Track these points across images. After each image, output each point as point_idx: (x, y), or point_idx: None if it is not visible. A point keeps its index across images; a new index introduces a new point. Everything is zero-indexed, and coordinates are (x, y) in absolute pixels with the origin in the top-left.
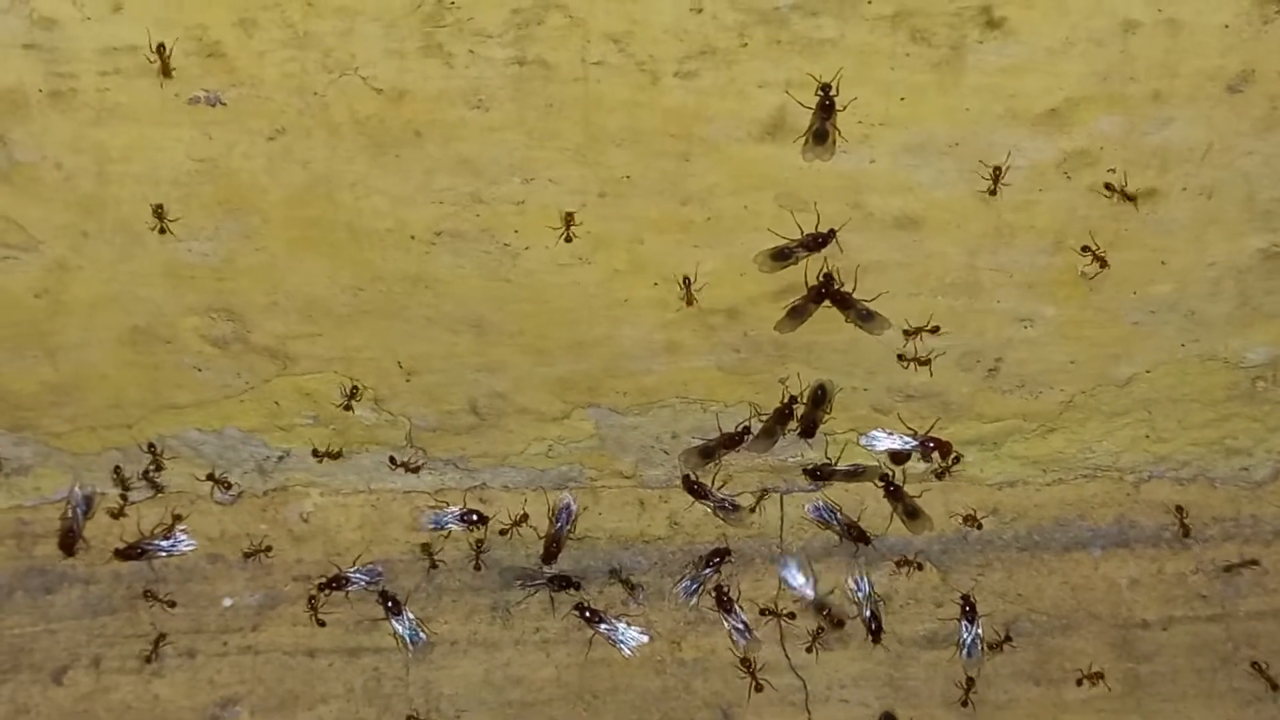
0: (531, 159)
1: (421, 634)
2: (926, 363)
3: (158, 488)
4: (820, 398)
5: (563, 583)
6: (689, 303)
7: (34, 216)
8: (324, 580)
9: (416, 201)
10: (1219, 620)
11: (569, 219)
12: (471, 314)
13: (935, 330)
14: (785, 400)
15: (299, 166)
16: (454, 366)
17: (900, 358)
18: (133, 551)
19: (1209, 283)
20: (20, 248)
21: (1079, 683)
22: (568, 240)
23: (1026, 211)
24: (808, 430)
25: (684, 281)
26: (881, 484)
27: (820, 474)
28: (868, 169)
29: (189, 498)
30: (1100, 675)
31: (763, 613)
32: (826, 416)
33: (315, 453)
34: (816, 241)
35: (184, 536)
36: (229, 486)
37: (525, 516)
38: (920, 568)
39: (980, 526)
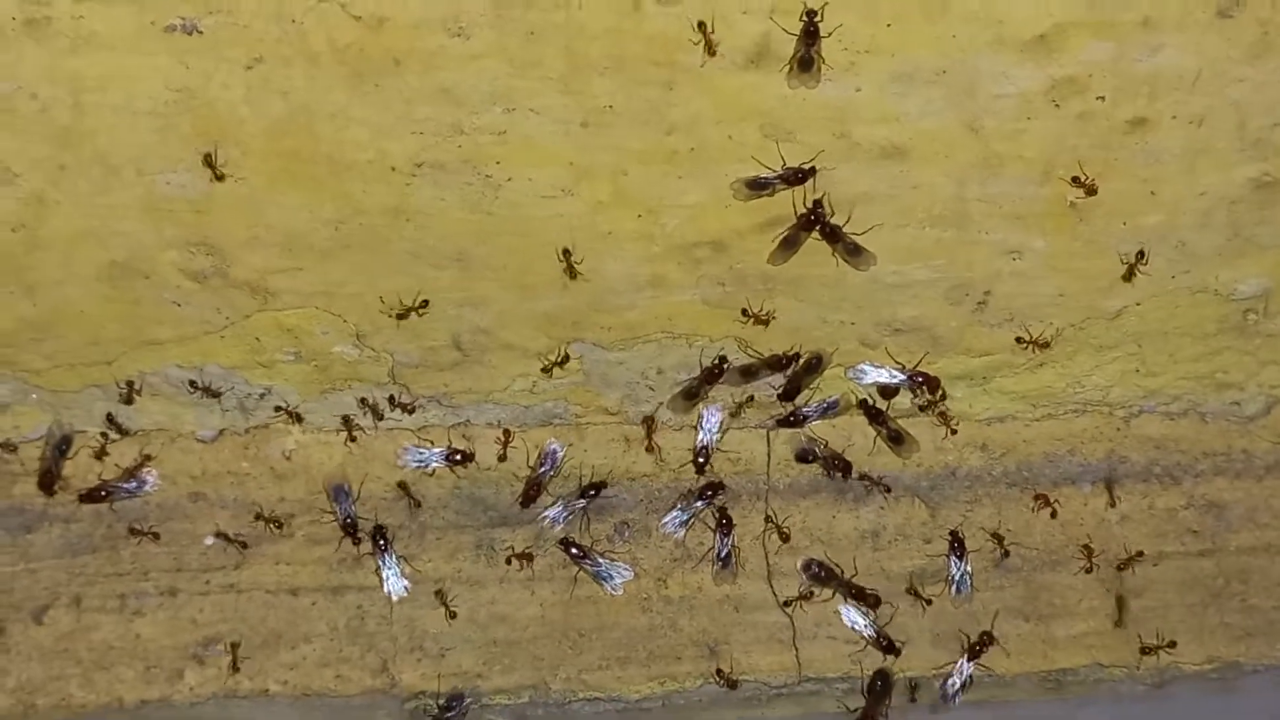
0: (513, 88)
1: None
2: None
3: (122, 431)
4: (814, 366)
5: (592, 489)
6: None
7: (9, 149)
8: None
9: (397, 132)
10: (1209, 555)
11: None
12: (454, 248)
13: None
14: (786, 354)
15: (278, 97)
16: (437, 301)
17: (1019, 340)
18: (97, 494)
19: (1199, 213)
20: None
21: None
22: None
23: (1014, 141)
24: (789, 394)
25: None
26: (862, 410)
27: (794, 421)
28: (854, 98)
29: (169, 435)
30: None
31: (766, 520)
32: (814, 385)
33: (279, 408)
34: (796, 176)
35: (149, 477)
36: (217, 394)
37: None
38: (889, 490)
39: (1007, 554)
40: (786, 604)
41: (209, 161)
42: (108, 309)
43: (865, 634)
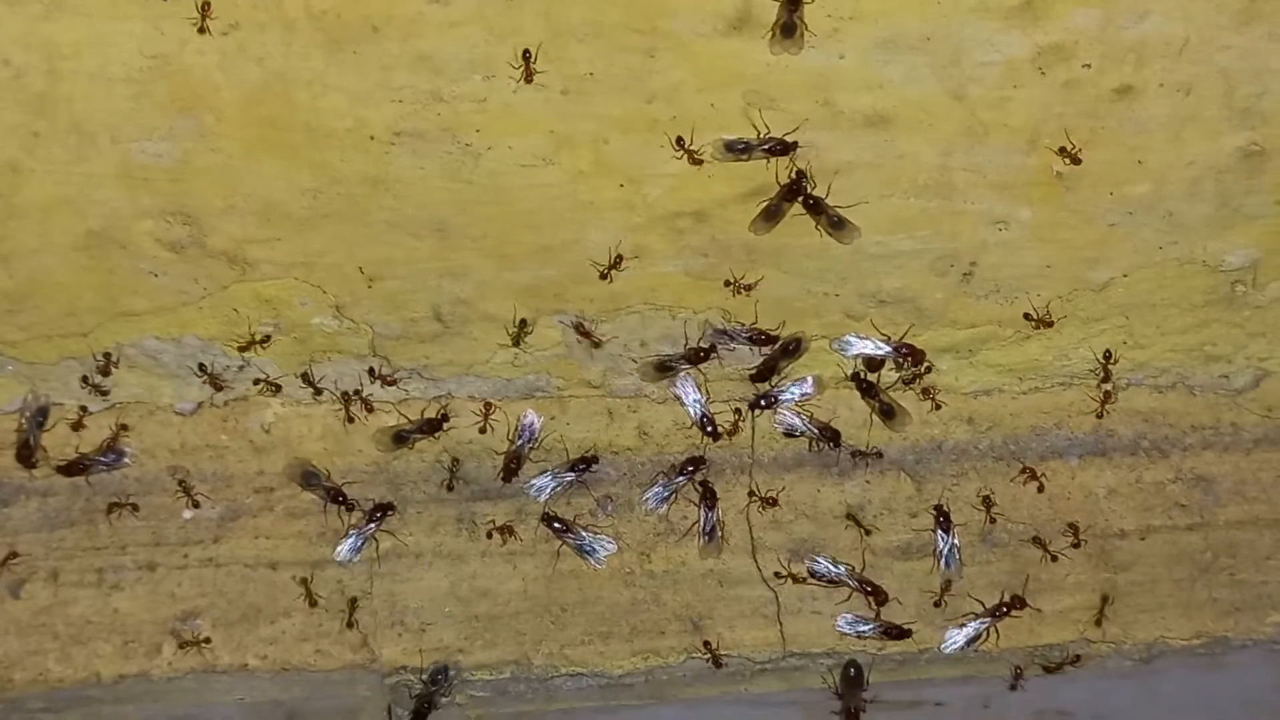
0: (492, 55)
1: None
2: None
3: (102, 391)
4: (791, 350)
5: (583, 464)
6: (692, 161)
7: None
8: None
9: (375, 100)
10: (1198, 529)
11: (527, 58)
12: (433, 217)
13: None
14: (772, 331)
15: (254, 64)
16: (417, 272)
17: (1026, 317)
18: (75, 467)
19: (1187, 183)
20: None
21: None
22: (528, 80)
23: (1000, 109)
24: (762, 375)
25: (678, 142)
26: (854, 383)
27: (766, 403)
28: (837, 65)
29: (148, 408)
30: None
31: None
32: (787, 368)
33: (306, 378)
34: (779, 147)
35: (127, 449)
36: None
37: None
38: (880, 455)
39: (994, 521)
40: (778, 576)
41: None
42: (84, 279)
43: (871, 634)
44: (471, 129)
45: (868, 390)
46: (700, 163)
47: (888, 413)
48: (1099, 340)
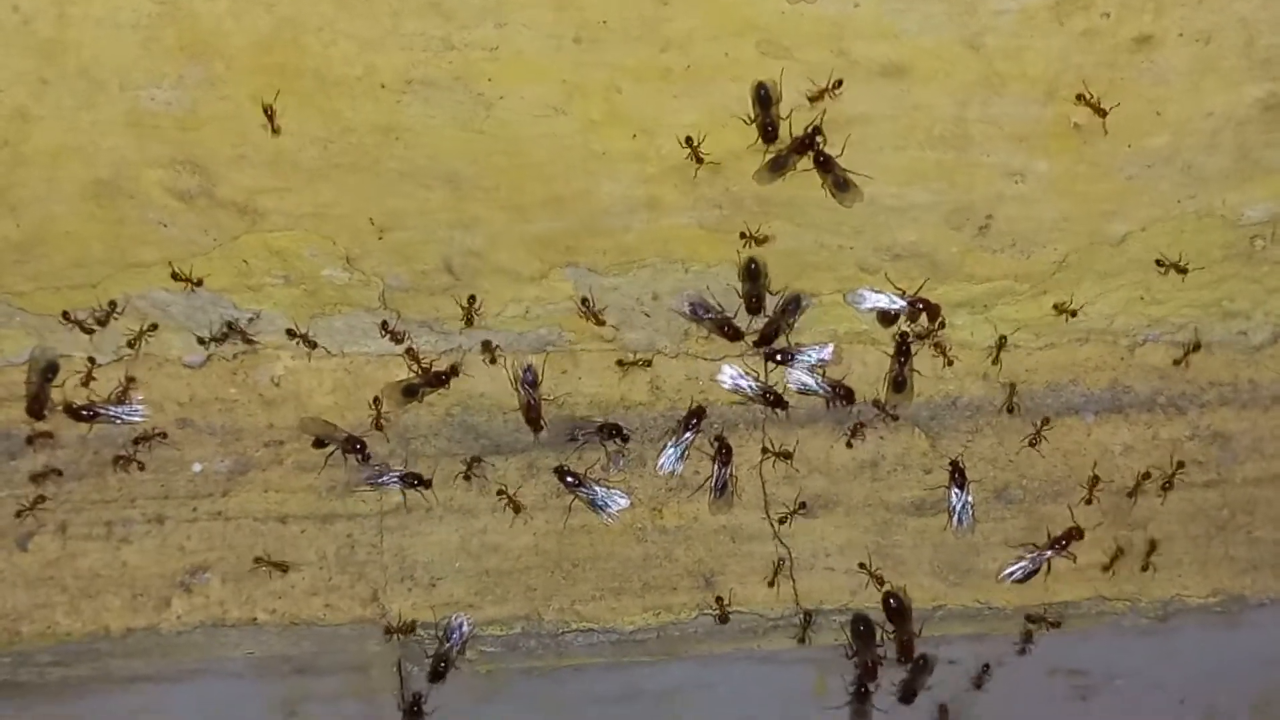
0: (504, 2)
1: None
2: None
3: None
4: (792, 308)
5: (611, 430)
6: (699, 160)
7: None
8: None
9: (386, 47)
10: (1215, 486)
11: None
12: (445, 168)
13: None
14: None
15: (263, 9)
16: (427, 223)
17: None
18: (85, 412)
19: (1206, 135)
20: None
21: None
22: None
23: (1017, 59)
24: (767, 337)
25: (686, 141)
26: (897, 342)
27: (784, 358)
28: (852, 13)
29: (156, 361)
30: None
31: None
32: (790, 328)
33: (291, 333)
34: (803, 143)
35: (139, 407)
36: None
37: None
38: (896, 418)
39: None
40: (781, 520)
41: (268, 114)
42: (92, 229)
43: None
44: (483, 77)
45: (903, 354)
46: (701, 161)
47: (900, 385)
48: (1116, 295)
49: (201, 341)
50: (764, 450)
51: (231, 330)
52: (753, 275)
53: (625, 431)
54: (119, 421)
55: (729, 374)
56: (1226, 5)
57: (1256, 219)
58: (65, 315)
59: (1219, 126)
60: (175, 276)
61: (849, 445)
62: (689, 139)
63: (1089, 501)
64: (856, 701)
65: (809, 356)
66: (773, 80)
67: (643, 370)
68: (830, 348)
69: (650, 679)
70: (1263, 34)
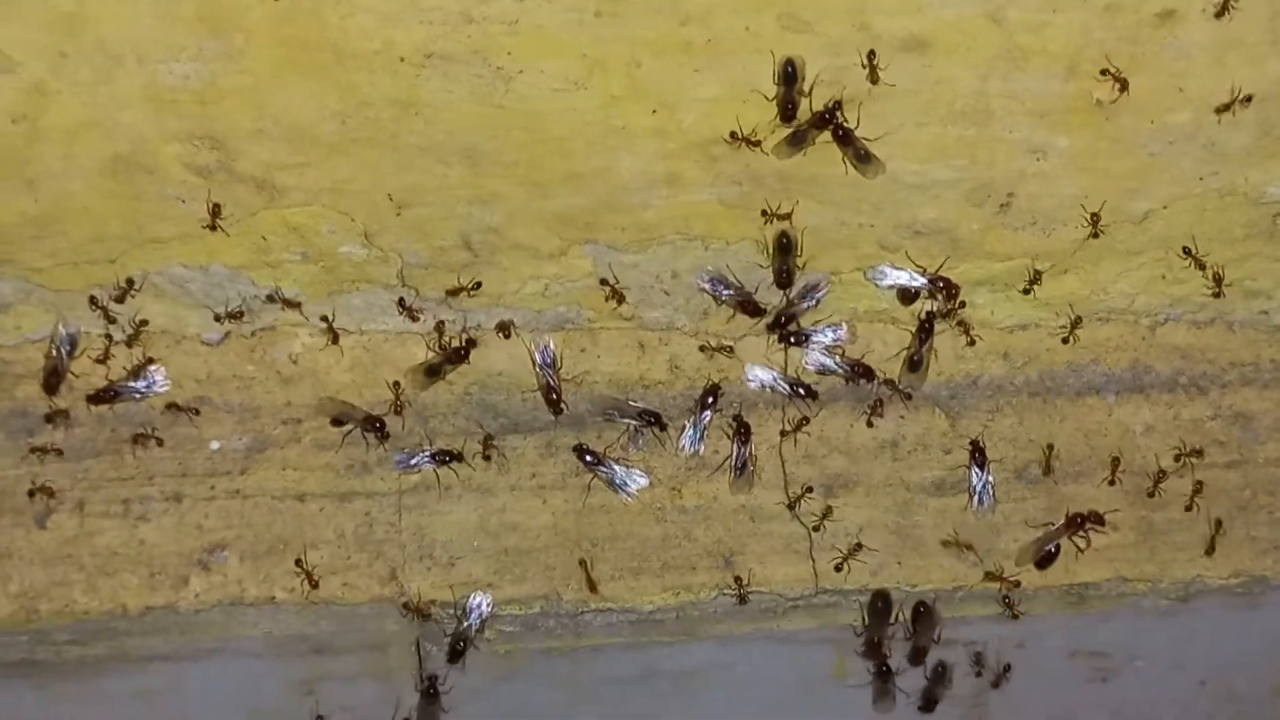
0: None
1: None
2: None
3: (110, 318)
4: (785, 246)
5: (650, 418)
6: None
7: (10, 36)
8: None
9: (405, 21)
10: (1236, 467)
11: None
12: (463, 143)
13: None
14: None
15: None
16: (446, 199)
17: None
18: (105, 395)
19: (1230, 111)
20: None
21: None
22: None
23: (1039, 33)
24: (782, 282)
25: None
26: (920, 320)
27: (797, 339)
28: None
29: (173, 338)
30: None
31: (782, 434)
32: (800, 262)
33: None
34: (822, 119)
35: (159, 378)
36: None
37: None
38: (909, 398)
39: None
40: (789, 506)
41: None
42: (110, 204)
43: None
44: (502, 51)
45: (925, 334)
46: (757, 144)
47: (915, 364)
48: (1138, 275)
49: (218, 319)
50: (782, 432)
51: (272, 300)
52: (785, 249)
53: (664, 421)
54: (138, 396)
55: (758, 376)
56: None
57: (1278, 197)
58: (92, 300)
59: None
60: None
61: (869, 424)
62: (733, 133)
63: (1111, 483)
64: (879, 680)
65: (824, 337)
66: (801, 58)
67: (662, 348)
68: (844, 328)
69: (669, 659)
70: None
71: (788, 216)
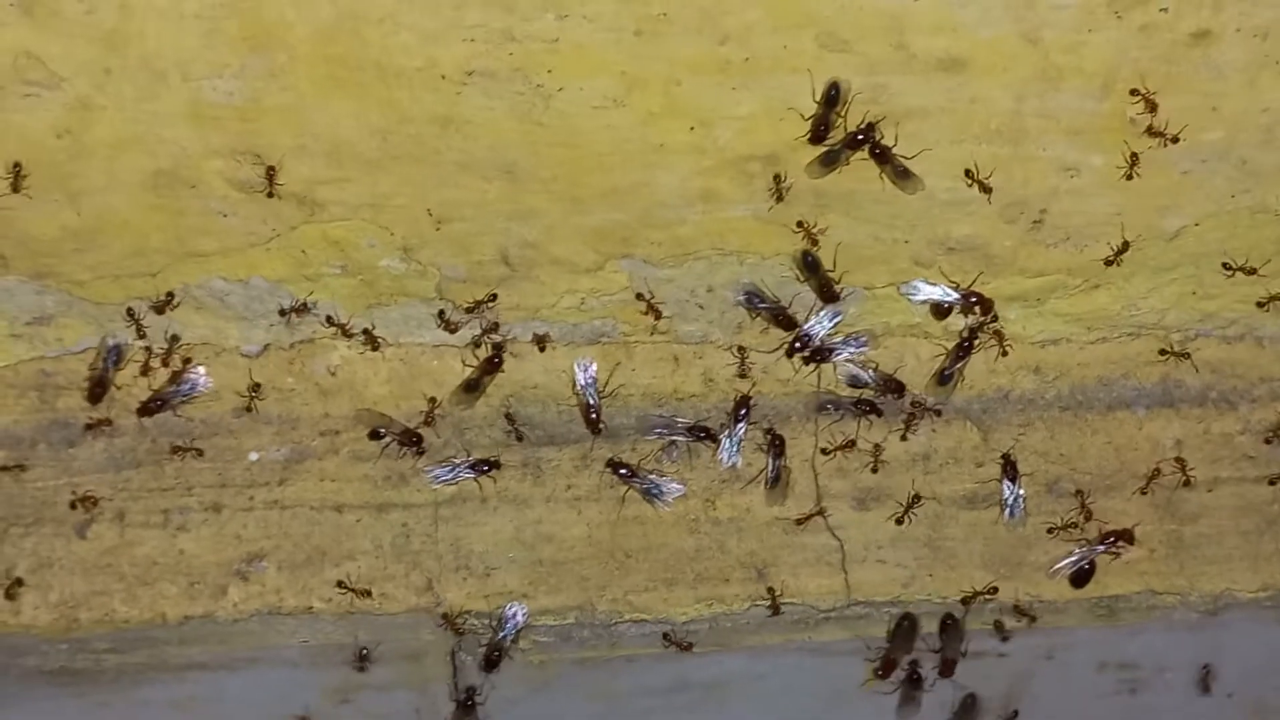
0: None
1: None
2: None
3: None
4: (832, 98)
5: (701, 433)
6: (779, 198)
7: (55, 52)
8: (140, 406)
9: (447, 39)
10: (1266, 481)
11: None
12: (503, 159)
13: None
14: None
15: (326, 0)
16: (485, 214)
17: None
18: (154, 405)
19: (1262, 130)
20: (42, 85)
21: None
22: None
23: (1074, 53)
24: (817, 137)
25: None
26: (963, 336)
27: (820, 356)
28: (911, 7)
29: (214, 350)
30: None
31: (823, 451)
32: (839, 116)
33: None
34: (856, 140)
35: (200, 378)
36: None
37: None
38: (939, 413)
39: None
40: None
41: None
42: (152, 219)
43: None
44: (543, 69)
45: (964, 352)
46: (781, 199)
47: (946, 379)
48: (1169, 290)
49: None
50: (824, 450)
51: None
52: (812, 266)
53: (715, 433)
54: (184, 400)
55: (847, 368)
56: None
57: None
58: (130, 312)
59: (1274, 122)
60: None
61: (904, 439)
62: (777, 176)
63: (1144, 492)
64: (909, 686)
65: (847, 348)
66: (847, 82)
67: (697, 361)
68: (866, 338)
69: (702, 670)
70: None
71: (823, 232)
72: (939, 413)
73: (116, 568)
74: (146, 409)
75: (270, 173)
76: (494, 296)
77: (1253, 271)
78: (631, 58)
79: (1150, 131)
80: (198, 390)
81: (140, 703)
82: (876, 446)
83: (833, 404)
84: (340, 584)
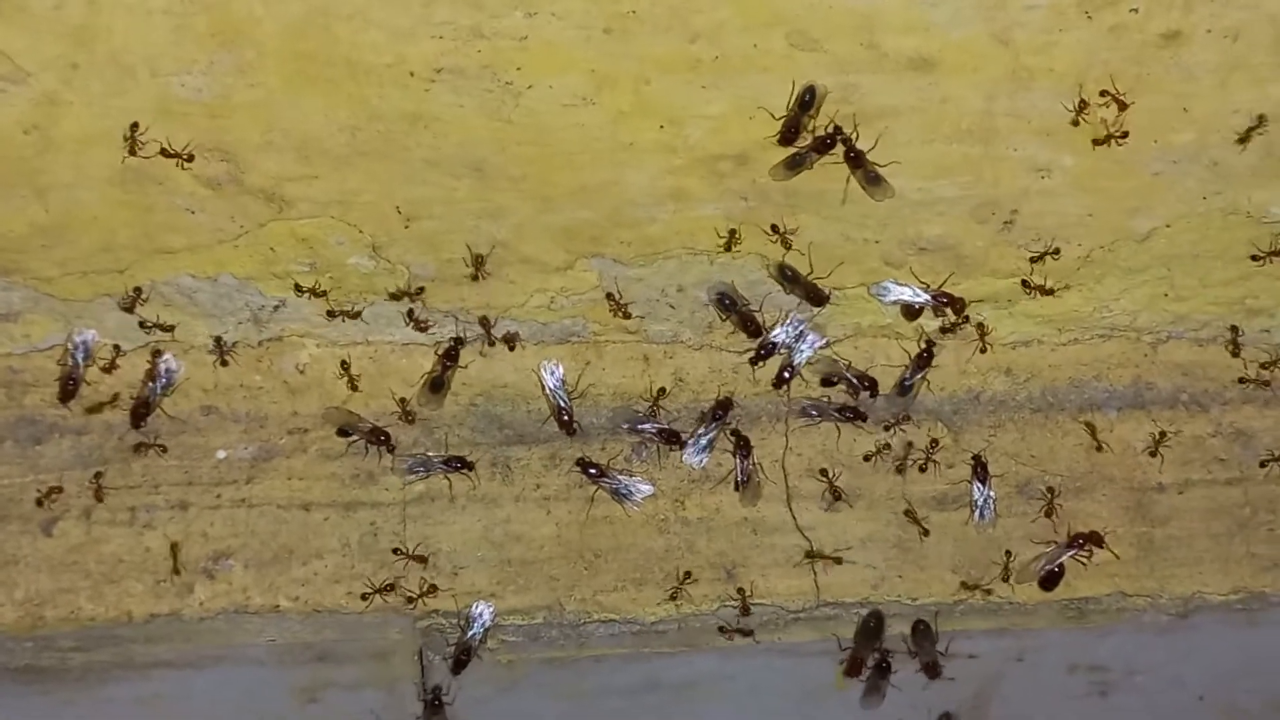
0: None
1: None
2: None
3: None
4: (807, 103)
5: (670, 437)
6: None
7: (22, 46)
8: (131, 414)
9: (416, 36)
10: (1237, 484)
11: None
12: (472, 156)
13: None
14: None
15: None
16: (454, 212)
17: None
18: (143, 410)
19: (1233, 131)
20: (8, 79)
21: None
22: None
23: (1045, 54)
24: (787, 138)
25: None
26: (921, 346)
27: (791, 374)
28: (881, 6)
29: (182, 347)
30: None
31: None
32: (811, 120)
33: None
34: (824, 143)
35: (171, 362)
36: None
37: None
38: (908, 419)
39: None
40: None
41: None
42: (120, 215)
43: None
44: (512, 67)
45: (923, 361)
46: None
47: (906, 388)
48: (1140, 292)
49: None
50: (865, 458)
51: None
52: (792, 278)
53: (684, 438)
54: (161, 393)
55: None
56: (1256, 2)
57: None
58: (141, 323)
59: (1246, 123)
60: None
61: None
62: (774, 226)
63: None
64: (876, 676)
65: (804, 351)
66: (823, 87)
67: (667, 361)
68: (818, 333)
69: (671, 670)
70: None
71: (793, 232)
72: (908, 418)
73: (83, 565)
74: (137, 416)
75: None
76: (421, 290)
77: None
78: (601, 56)
79: (1107, 137)
80: (174, 378)
81: (106, 700)
82: (910, 445)
83: (815, 409)
84: (364, 597)
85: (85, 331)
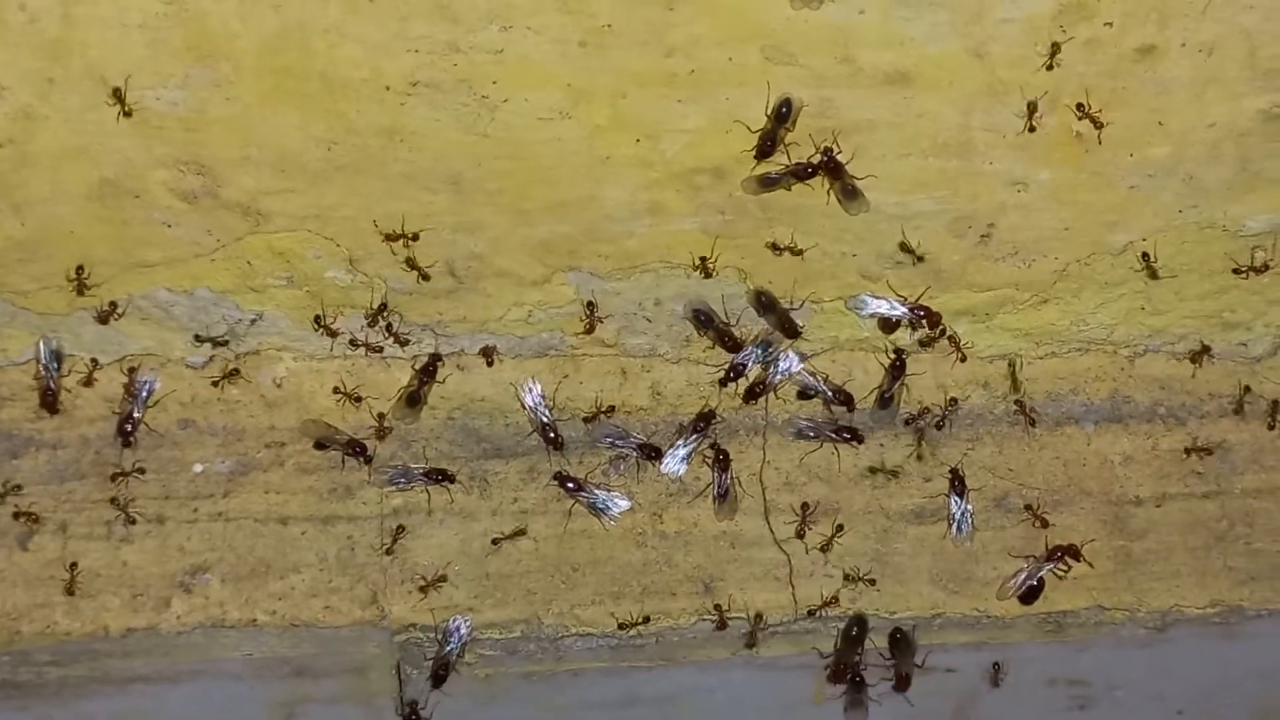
0: (510, 5)
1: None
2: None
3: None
4: (783, 115)
5: (650, 451)
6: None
7: None
8: (120, 436)
9: (391, 50)
10: (1214, 498)
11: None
12: (449, 170)
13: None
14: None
15: (271, 10)
16: (430, 226)
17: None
18: (129, 426)
19: (1208, 145)
20: None
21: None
22: None
23: (1021, 68)
24: (764, 152)
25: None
26: (892, 358)
27: (761, 390)
28: (858, 20)
29: (159, 360)
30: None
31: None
32: (787, 132)
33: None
34: (806, 171)
35: (149, 377)
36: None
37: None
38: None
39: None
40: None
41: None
42: (97, 229)
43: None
44: (488, 81)
45: (897, 372)
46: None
47: (886, 401)
48: (1117, 306)
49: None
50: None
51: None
52: (768, 305)
53: (661, 453)
54: (143, 407)
55: (802, 378)
56: (1230, 17)
57: (1257, 229)
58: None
59: (1221, 137)
60: None
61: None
62: (774, 244)
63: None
64: (853, 690)
65: (779, 370)
66: (799, 99)
67: (644, 374)
68: (791, 356)
69: (649, 684)
70: (1265, 45)
71: (797, 250)
72: (861, 440)
73: (59, 579)
74: (124, 433)
75: None
76: (416, 236)
77: (1265, 269)
78: (577, 70)
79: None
80: (154, 391)
81: (83, 715)
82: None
83: (812, 430)
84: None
85: (49, 339)
